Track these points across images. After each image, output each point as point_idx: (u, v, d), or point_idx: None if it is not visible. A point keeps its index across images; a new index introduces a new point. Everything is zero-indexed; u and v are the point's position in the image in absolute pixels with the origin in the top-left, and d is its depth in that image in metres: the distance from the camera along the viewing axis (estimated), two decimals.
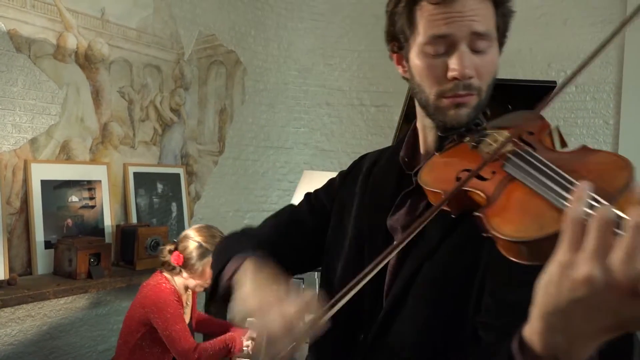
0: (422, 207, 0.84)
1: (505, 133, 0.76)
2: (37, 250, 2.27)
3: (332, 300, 0.70)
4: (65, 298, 2.39)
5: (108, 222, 2.56)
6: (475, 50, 0.77)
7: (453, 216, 0.73)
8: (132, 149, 2.75)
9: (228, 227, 3.18)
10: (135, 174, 2.73)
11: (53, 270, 2.28)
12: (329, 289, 0.93)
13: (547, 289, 0.49)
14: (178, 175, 2.98)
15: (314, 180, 2.68)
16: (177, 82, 2.97)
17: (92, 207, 2.51)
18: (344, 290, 0.69)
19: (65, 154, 2.44)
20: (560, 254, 0.47)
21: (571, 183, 0.58)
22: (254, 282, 0.80)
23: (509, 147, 0.71)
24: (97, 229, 2.51)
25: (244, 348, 1.97)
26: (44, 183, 2.32)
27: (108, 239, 2.52)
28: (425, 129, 0.88)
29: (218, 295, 0.92)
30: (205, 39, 3.10)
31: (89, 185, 2.50)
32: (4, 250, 2.15)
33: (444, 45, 0.77)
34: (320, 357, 0.93)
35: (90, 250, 2.25)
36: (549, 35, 2.96)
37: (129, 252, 2.49)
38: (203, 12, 3.06)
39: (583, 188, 0.49)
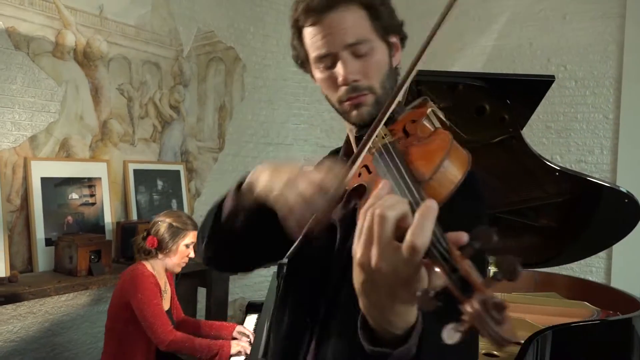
0: (354, 202, 0.88)
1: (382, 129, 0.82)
2: (38, 247, 2.28)
3: (350, 161, 0.76)
4: (66, 295, 2.40)
5: (108, 219, 2.57)
6: (357, 55, 0.85)
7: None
8: (132, 146, 2.75)
9: None
10: (135, 171, 2.74)
11: (54, 268, 2.29)
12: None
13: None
14: (178, 172, 2.98)
15: None
16: (176, 79, 2.96)
17: (93, 204, 2.52)
18: (353, 157, 0.76)
19: (65, 152, 2.44)
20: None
21: (405, 181, 0.65)
22: (269, 170, 0.83)
23: (386, 140, 0.77)
24: (97, 226, 2.52)
25: (235, 350, 2.02)
26: (44, 180, 2.32)
27: (108, 235, 2.53)
28: (350, 131, 0.96)
29: (223, 219, 0.93)
30: (204, 36, 3.09)
31: (89, 183, 2.51)
32: (5, 247, 2.16)
33: (329, 60, 0.86)
34: (276, 342, 0.95)
35: (90, 247, 2.25)
36: (549, 30, 2.96)
37: (129, 249, 2.49)
38: (201, 8, 3.06)
39: (383, 185, 0.60)
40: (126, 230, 2.53)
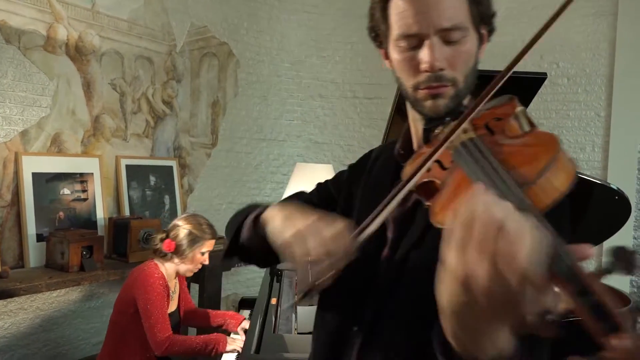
0: (412, 199, 0.84)
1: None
2: (29, 243, 2.27)
3: (361, 227, 0.74)
4: (58, 291, 2.39)
5: (100, 214, 2.55)
6: (447, 41, 0.77)
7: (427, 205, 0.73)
8: (124, 141, 2.73)
9: (221, 219, 3.18)
10: (128, 167, 2.72)
11: (45, 263, 2.27)
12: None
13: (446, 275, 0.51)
14: (171, 167, 2.97)
15: (307, 173, 2.69)
16: (169, 74, 2.95)
17: (84, 199, 2.50)
18: (370, 218, 0.73)
19: (56, 147, 2.42)
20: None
21: (502, 180, 0.58)
22: (284, 213, 0.82)
23: (471, 134, 0.71)
24: (89, 222, 2.51)
25: (230, 348, 2.02)
26: (35, 176, 2.31)
27: (100, 231, 2.51)
28: (415, 122, 0.89)
29: (238, 247, 0.97)
30: (198, 31, 3.08)
31: (80, 178, 2.49)
32: None
33: (415, 39, 0.78)
34: (318, 348, 0.93)
35: (82, 243, 2.24)
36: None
37: (121, 245, 2.49)
38: (195, 3, 3.04)
39: (479, 187, 0.51)
40: (118, 226, 2.52)
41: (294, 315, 1.44)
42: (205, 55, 3.15)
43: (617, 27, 2.78)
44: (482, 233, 0.45)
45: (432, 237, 0.78)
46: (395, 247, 0.83)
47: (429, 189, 0.72)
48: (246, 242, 0.95)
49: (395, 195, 0.74)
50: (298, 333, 1.38)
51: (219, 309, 2.87)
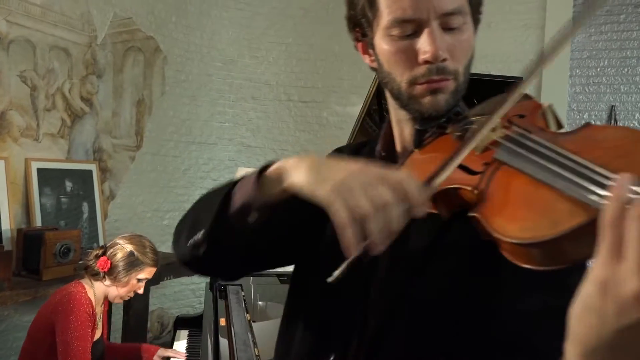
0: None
1: (483, 119, 0.67)
2: None
3: (436, 170, 0.60)
4: None
5: (6, 225, 2.23)
6: (447, 28, 0.68)
7: (442, 219, 0.63)
8: (36, 142, 2.42)
9: (146, 228, 2.96)
10: (40, 171, 2.41)
11: None
12: (298, 294, 0.82)
13: (586, 319, 0.39)
14: (90, 172, 2.68)
15: None
16: (89, 68, 2.66)
17: None
18: (443, 163, 0.59)
19: None
20: (599, 269, 0.38)
21: (588, 168, 0.49)
22: (311, 161, 0.62)
23: (500, 132, 0.62)
24: None
25: None
26: None
27: (7, 245, 2.19)
28: (401, 123, 0.78)
29: (222, 234, 0.70)
30: (121, 22, 2.81)
31: None
32: None
33: (411, 25, 0.68)
34: None
35: None
36: (477, 37, 3.05)
37: (33, 260, 2.17)
38: None
39: (623, 179, 0.40)
40: (29, 239, 2.20)
41: (251, 339, 1.29)
42: (129, 50, 2.88)
43: (545, 39, 2.92)
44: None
45: (439, 261, 0.68)
46: (388, 275, 0.70)
47: (450, 200, 0.62)
48: (242, 210, 0.68)
49: None
50: None
51: (146, 327, 2.62)
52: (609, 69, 2.85)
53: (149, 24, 2.98)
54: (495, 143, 0.62)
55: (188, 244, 0.74)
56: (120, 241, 1.93)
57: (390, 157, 0.81)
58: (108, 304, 2.09)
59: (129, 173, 2.95)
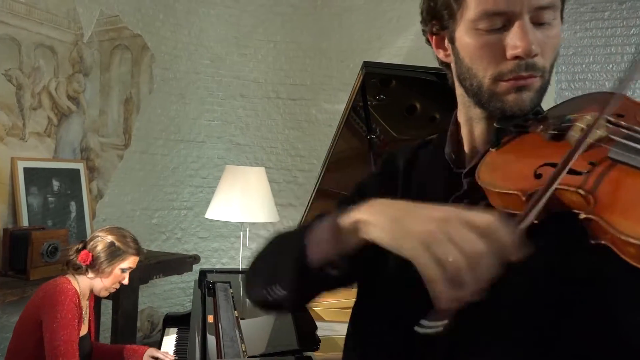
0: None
1: (587, 117, 0.63)
2: None
3: (533, 200, 0.56)
4: None
5: None
6: (537, 23, 0.65)
7: (535, 222, 0.58)
8: (22, 141, 2.40)
9: (135, 227, 2.94)
10: (26, 170, 2.39)
11: None
12: (363, 308, 0.80)
13: None
14: (77, 170, 2.66)
15: (237, 176, 2.52)
16: (76, 66, 2.64)
17: None
18: (540, 192, 0.55)
19: None
20: None
21: None
22: (390, 211, 0.60)
23: (602, 132, 0.59)
24: None
25: None
26: None
27: None
28: (471, 121, 0.74)
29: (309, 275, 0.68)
30: (108, 20, 2.79)
31: None
32: None
33: (501, 18, 0.64)
34: None
35: None
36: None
37: (20, 260, 2.16)
38: None
39: None
40: (16, 238, 2.19)
41: (238, 335, 1.29)
42: (116, 48, 2.86)
43: None
44: None
45: (526, 267, 0.58)
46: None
47: (550, 203, 0.57)
48: (324, 264, 0.68)
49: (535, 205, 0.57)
50: (249, 357, 1.21)
51: (135, 326, 2.61)
52: (594, 65, 2.87)
53: (136, 22, 2.96)
54: (604, 141, 0.59)
55: (268, 296, 0.74)
56: (100, 233, 1.93)
57: (458, 158, 0.78)
58: (95, 300, 2.07)
59: (117, 172, 2.93)
